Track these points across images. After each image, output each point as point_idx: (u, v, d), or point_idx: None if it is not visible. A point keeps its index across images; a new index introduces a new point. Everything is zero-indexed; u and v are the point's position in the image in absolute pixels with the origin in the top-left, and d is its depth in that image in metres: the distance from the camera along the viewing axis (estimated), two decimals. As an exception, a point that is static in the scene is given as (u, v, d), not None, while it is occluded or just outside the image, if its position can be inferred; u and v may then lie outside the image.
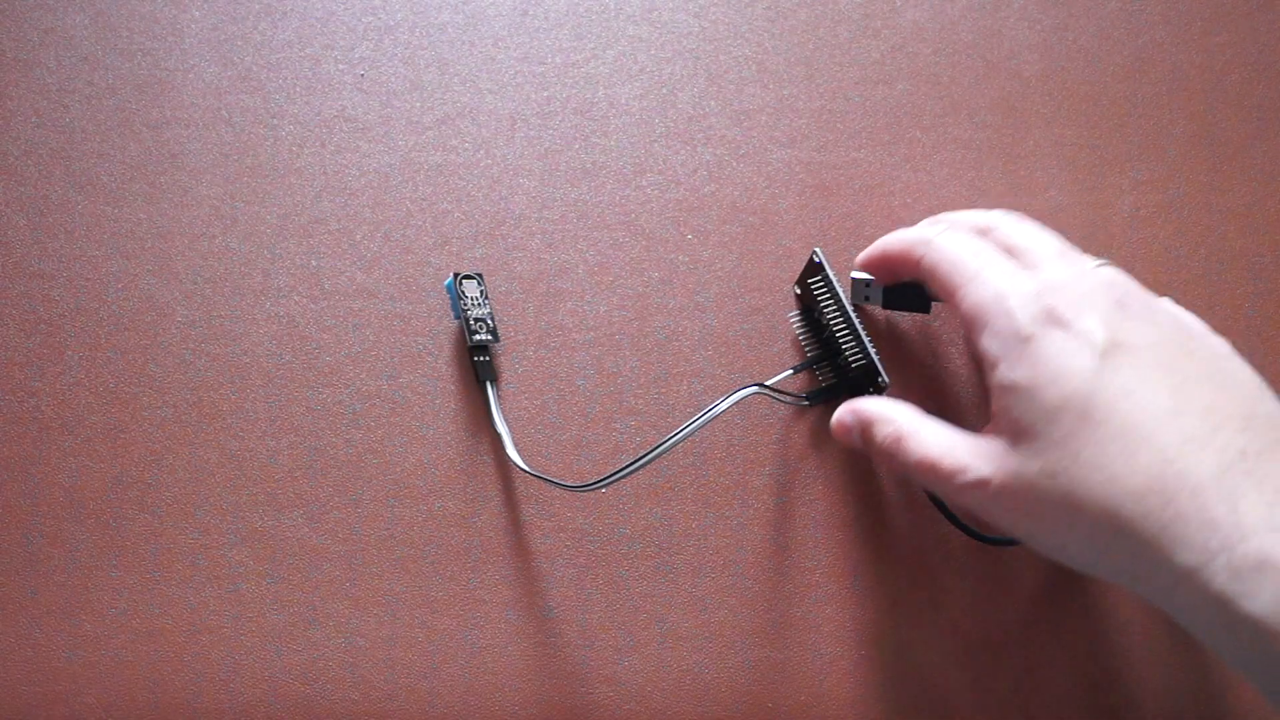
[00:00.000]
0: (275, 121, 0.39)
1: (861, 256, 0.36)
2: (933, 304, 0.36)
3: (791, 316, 0.37)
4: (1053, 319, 0.29)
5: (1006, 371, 0.29)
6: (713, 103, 0.39)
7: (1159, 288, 0.38)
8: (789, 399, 0.36)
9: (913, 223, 0.38)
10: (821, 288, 0.36)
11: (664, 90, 0.39)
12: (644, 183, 0.39)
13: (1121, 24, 0.40)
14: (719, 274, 0.38)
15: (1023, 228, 0.33)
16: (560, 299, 0.38)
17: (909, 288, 0.36)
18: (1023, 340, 0.29)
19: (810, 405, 0.37)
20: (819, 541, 0.36)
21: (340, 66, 0.39)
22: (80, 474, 0.36)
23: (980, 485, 0.30)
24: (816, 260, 0.36)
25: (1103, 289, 0.30)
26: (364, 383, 0.37)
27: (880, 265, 0.35)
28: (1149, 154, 0.39)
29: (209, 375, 0.37)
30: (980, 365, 0.31)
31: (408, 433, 0.37)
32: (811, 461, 0.37)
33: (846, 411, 0.34)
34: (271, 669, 0.35)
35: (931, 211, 0.38)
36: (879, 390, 0.35)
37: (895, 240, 0.35)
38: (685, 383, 0.37)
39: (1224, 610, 0.25)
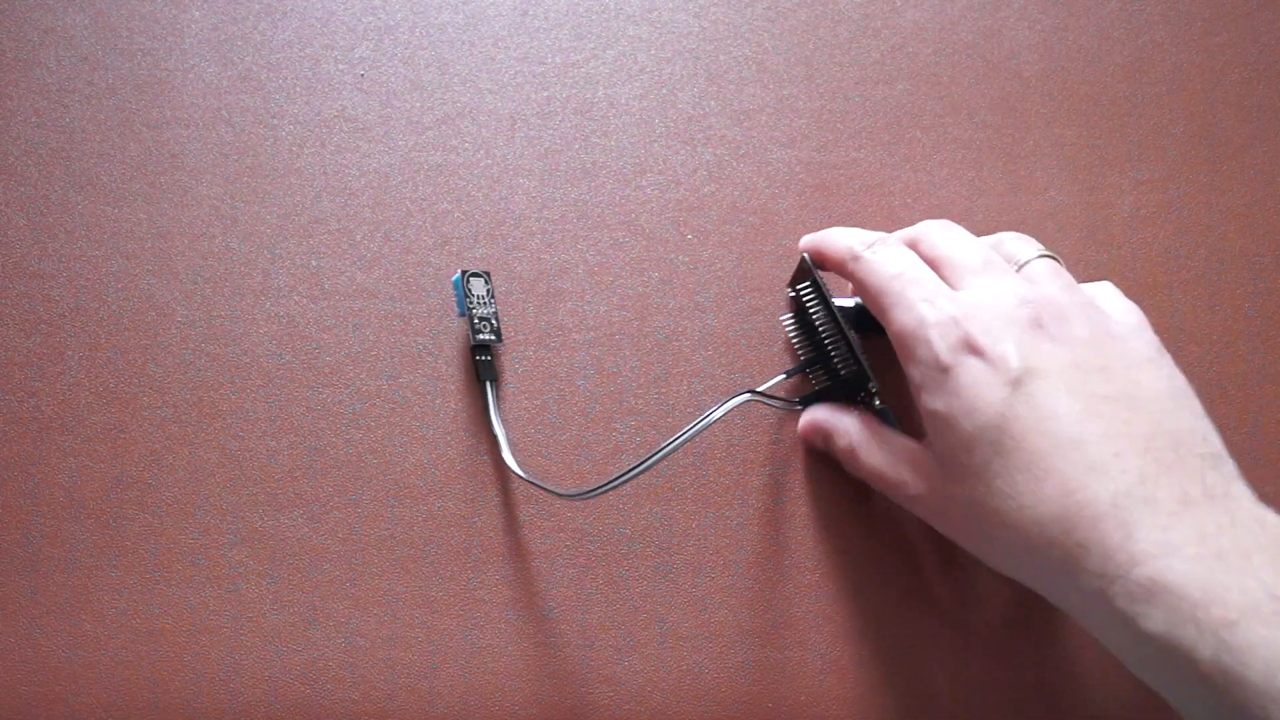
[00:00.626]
0: (275, 121, 0.39)
1: (805, 240, 0.36)
2: None
3: (785, 319, 0.37)
4: (970, 346, 0.30)
5: (928, 400, 0.30)
6: (713, 103, 0.39)
7: (1159, 288, 0.38)
8: (781, 404, 0.36)
9: (912, 223, 0.38)
10: (810, 294, 0.36)
11: (664, 90, 0.39)
12: (644, 183, 0.39)
13: (1121, 24, 0.40)
14: (719, 274, 0.38)
15: (948, 237, 0.33)
16: (560, 299, 0.38)
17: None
18: (942, 370, 0.30)
19: (804, 409, 0.37)
20: (818, 541, 0.36)
21: (340, 66, 0.39)
22: (80, 474, 0.36)
23: (919, 500, 0.32)
24: (806, 265, 0.36)
25: (1019, 309, 0.30)
26: (364, 383, 0.37)
27: (817, 256, 0.36)
28: (1149, 154, 0.39)
29: (209, 375, 0.37)
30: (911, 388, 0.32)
31: (408, 433, 0.37)
32: (811, 462, 0.37)
33: (808, 422, 0.36)
34: (271, 669, 0.35)
35: (931, 212, 0.38)
36: (870, 395, 0.35)
37: (831, 244, 0.35)
38: (685, 383, 0.37)
39: (1127, 628, 0.27)
